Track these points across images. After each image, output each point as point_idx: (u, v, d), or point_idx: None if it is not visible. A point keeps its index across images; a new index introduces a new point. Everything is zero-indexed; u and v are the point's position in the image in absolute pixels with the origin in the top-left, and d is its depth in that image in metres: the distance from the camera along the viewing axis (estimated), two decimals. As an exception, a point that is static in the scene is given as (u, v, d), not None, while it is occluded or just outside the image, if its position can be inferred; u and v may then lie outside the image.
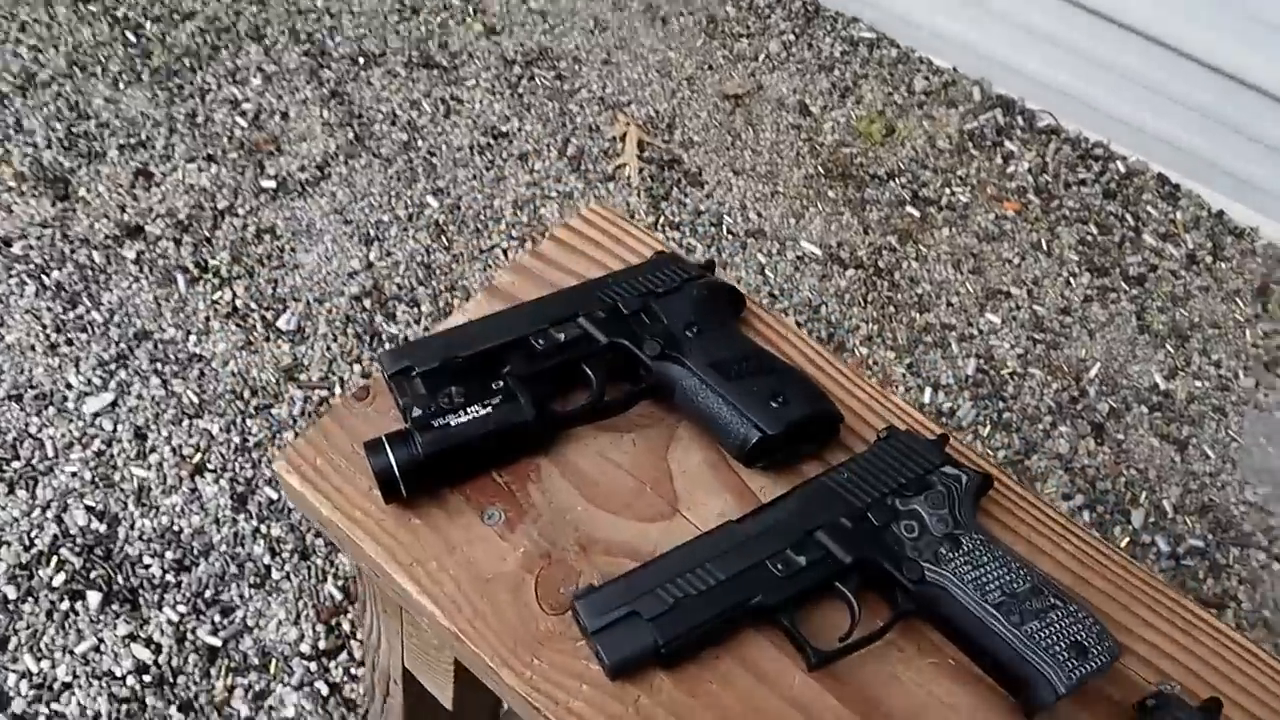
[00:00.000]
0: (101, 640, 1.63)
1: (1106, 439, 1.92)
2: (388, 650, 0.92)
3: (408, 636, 0.87)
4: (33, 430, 1.82)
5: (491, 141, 2.25)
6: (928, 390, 1.94)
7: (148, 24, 2.39)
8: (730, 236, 2.12)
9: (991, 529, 0.79)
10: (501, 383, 0.77)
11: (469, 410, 0.75)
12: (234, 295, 1.99)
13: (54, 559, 1.68)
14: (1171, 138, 2.22)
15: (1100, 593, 0.78)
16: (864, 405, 0.85)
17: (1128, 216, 2.19)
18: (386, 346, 1.92)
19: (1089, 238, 2.15)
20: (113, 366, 1.90)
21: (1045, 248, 2.13)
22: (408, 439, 0.74)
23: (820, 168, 2.21)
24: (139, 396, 1.86)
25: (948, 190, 2.19)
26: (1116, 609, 0.77)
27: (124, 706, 1.58)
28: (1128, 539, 1.82)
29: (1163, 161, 2.24)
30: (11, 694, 1.56)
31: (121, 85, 2.28)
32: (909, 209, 2.16)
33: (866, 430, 0.83)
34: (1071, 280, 2.10)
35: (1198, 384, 1.99)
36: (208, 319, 1.96)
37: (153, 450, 1.80)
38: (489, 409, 0.75)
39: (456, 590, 0.73)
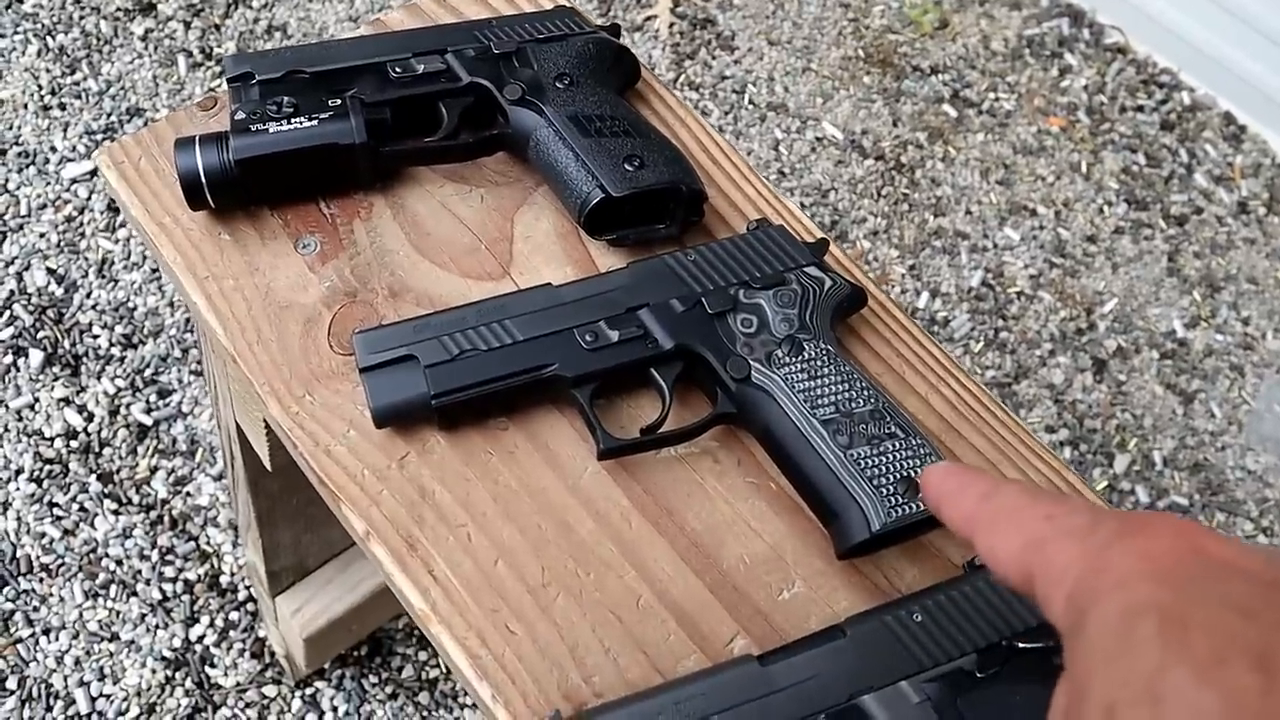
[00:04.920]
0: (37, 399, 1.61)
1: (1107, 378, 1.80)
2: (224, 403, 0.86)
3: (232, 382, 0.81)
4: (10, 186, 1.79)
5: (525, -26, 2.14)
6: (924, 295, 1.83)
7: None
8: (751, 106, 2.00)
9: (858, 353, 0.71)
10: (340, 101, 0.69)
11: (294, 120, 0.67)
12: (232, 87, 1.93)
13: (5, 313, 1.67)
14: (1249, 75, 2.04)
15: (969, 445, 0.69)
16: (750, 203, 0.76)
17: (1182, 152, 2.03)
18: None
19: (1134, 167, 2.00)
20: (99, 137, 1.86)
21: (1085, 170, 1.98)
22: (221, 142, 0.67)
23: (861, 51, 2.08)
24: (118, 171, 1.82)
25: (992, 95, 2.04)
26: (982, 463, 0.69)
27: (47, 467, 1.57)
28: (1106, 483, 1.72)
29: (1233, 99, 2.07)
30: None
31: None
32: (946, 107, 2.02)
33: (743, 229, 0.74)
34: (1106, 209, 1.95)
35: (1219, 338, 1.85)
36: (201, 106, 1.90)
37: (122, 225, 1.77)
38: (315, 122, 0.68)
39: (246, 312, 0.67)
